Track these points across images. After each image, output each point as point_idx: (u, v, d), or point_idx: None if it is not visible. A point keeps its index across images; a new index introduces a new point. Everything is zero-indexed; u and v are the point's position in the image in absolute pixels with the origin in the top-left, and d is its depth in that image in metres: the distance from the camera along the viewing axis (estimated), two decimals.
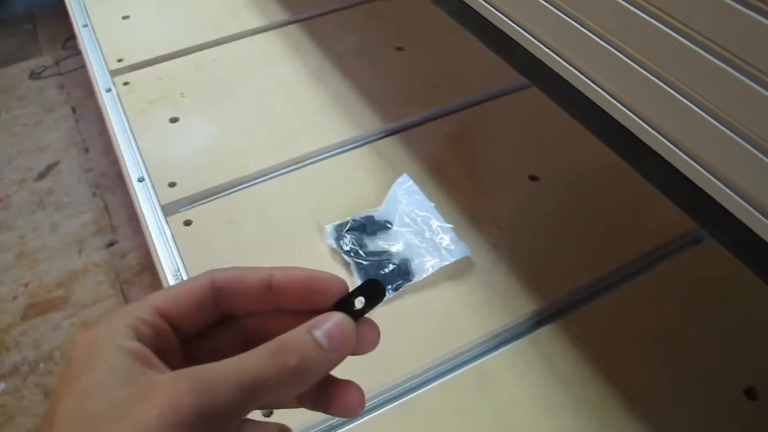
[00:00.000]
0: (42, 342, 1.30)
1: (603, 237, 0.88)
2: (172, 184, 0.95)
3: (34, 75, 1.88)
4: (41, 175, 1.61)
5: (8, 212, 1.53)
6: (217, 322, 0.36)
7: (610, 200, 0.92)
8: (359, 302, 0.35)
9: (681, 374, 0.75)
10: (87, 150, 1.67)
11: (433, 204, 0.89)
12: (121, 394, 0.28)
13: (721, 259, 0.84)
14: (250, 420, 0.35)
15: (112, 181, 1.58)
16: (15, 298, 1.37)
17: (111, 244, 1.47)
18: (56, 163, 1.64)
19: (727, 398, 0.73)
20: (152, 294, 0.34)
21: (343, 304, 0.35)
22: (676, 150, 0.45)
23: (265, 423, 0.36)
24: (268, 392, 0.30)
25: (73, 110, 1.78)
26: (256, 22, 1.25)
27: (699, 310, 0.81)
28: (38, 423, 1.14)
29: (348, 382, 0.36)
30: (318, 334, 0.32)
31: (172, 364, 0.31)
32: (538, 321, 0.81)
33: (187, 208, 0.93)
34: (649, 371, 0.76)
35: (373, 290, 0.36)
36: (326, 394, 0.36)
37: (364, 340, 0.35)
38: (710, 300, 0.82)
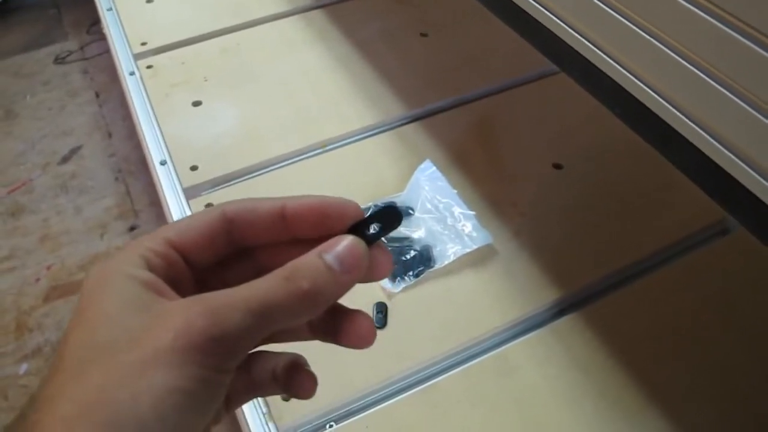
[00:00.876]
0: (64, 324, 1.30)
1: (627, 226, 0.87)
2: (194, 168, 0.95)
3: (59, 60, 1.89)
4: (65, 159, 1.61)
5: (32, 196, 1.54)
6: (230, 255, 0.35)
7: (635, 189, 0.91)
8: (374, 228, 0.34)
9: (703, 366, 0.74)
10: (110, 135, 1.67)
11: (455, 191, 0.88)
12: (134, 321, 0.28)
13: (748, 250, 0.83)
14: (264, 351, 0.35)
15: (135, 166, 1.58)
16: (38, 280, 1.38)
17: (132, 228, 1.48)
18: (79, 148, 1.64)
19: (748, 392, 0.72)
20: (164, 226, 0.34)
21: (358, 229, 0.34)
22: (706, 135, 0.44)
23: (280, 353, 0.36)
24: (280, 317, 0.30)
25: (97, 95, 1.78)
26: (279, 7, 1.25)
27: (723, 303, 0.80)
28: None
29: (358, 312, 0.35)
30: (329, 257, 0.31)
31: (185, 295, 0.30)
32: (560, 310, 0.80)
33: (210, 191, 0.93)
34: (671, 362, 0.75)
35: (389, 217, 0.35)
36: (337, 324, 0.35)
37: (376, 264, 0.34)
38: (735, 292, 0.81)
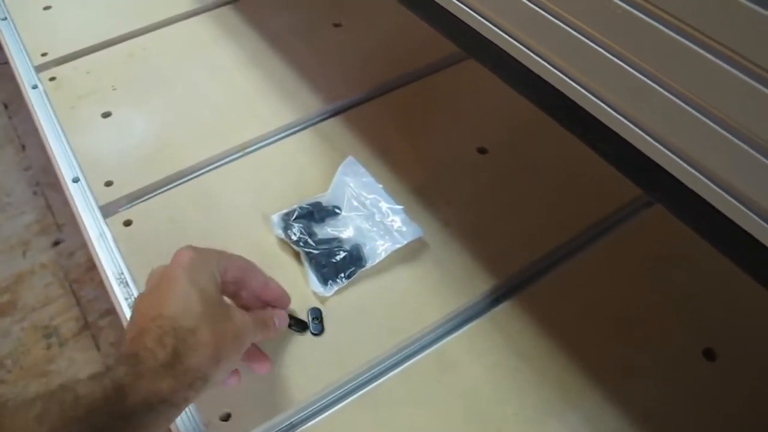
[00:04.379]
0: None
1: (555, 207, 0.87)
2: (108, 183, 0.91)
3: None
4: None
5: None
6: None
7: (560, 169, 0.91)
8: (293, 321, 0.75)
9: (639, 340, 0.75)
10: (24, 147, 1.60)
11: (381, 185, 0.87)
12: (220, 306, 0.60)
13: (673, 219, 0.84)
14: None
15: (54, 178, 1.52)
16: None
17: (57, 243, 1.42)
18: None
19: (685, 361, 0.74)
20: (226, 255, 0.66)
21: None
22: (618, 116, 0.44)
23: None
24: (252, 334, 0.62)
25: (5, 106, 1.70)
26: (185, 6, 1.20)
27: (653, 275, 0.81)
28: None
29: (265, 355, 0.70)
30: (276, 319, 0.68)
31: None
32: (495, 298, 0.80)
33: (127, 207, 0.89)
34: (607, 339, 0.75)
35: (302, 323, 0.76)
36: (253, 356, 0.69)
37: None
38: (664, 264, 0.82)
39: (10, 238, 1.44)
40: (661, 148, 0.41)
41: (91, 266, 1.38)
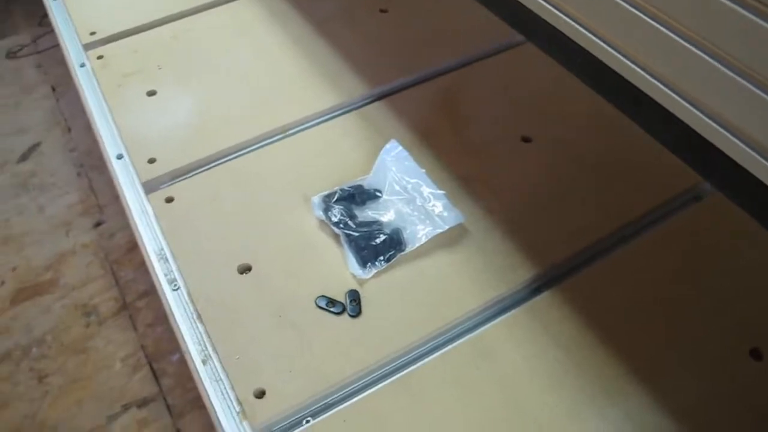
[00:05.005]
0: (33, 326, 1.27)
1: (601, 198, 0.85)
2: (152, 161, 0.91)
3: (11, 54, 1.83)
4: (23, 157, 1.57)
5: None
6: None
7: (605, 158, 0.89)
8: None
9: (683, 337, 0.73)
10: (69, 129, 1.63)
11: (423, 170, 0.86)
12: None
13: (723, 214, 0.82)
14: None
15: (97, 160, 1.54)
16: (3, 283, 1.34)
17: (98, 224, 1.44)
18: (38, 144, 1.59)
19: (731, 360, 0.71)
20: None
21: None
22: (675, 95, 0.42)
23: None
24: None
25: (53, 89, 1.73)
26: None
27: (699, 271, 0.79)
28: (34, 408, 1.13)
29: None
30: None
31: None
32: (535, 288, 0.78)
33: (169, 184, 0.89)
34: (651, 334, 0.73)
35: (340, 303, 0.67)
36: None
37: None
38: (712, 259, 0.79)
39: (53, 217, 1.46)
40: (727, 134, 0.40)
41: (131, 248, 1.39)
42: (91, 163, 1.55)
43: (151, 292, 1.27)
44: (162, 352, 1.19)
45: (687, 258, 0.80)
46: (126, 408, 1.12)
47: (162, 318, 1.22)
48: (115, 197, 1.46)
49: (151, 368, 1.17)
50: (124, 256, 1.39)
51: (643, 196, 0.85)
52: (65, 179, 1.53)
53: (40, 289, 1.34)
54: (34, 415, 1.13)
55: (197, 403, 1.10)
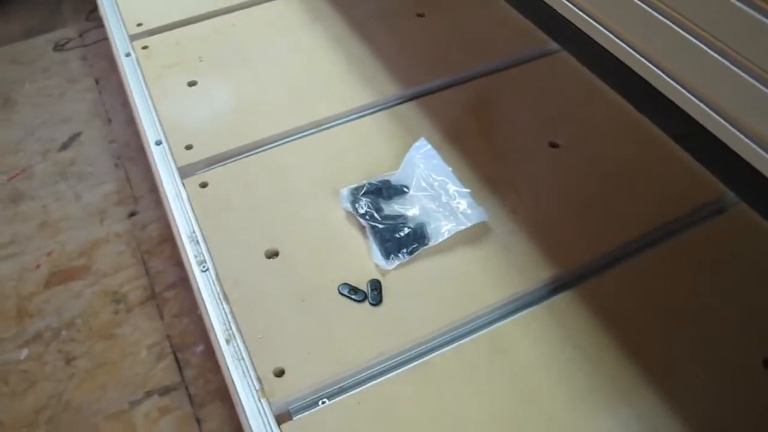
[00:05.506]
0: (64, 310, 1.30)
1: (623, 205, 0.86)
2: (188, 147, 0.94)
3: (58, 47, 1.88)
4: (64, 146, 1.61)
5: (31, 182, 1.54)
6: None
7: (630, 167, 0.90)
8: None
9: (698, 344, 0.74)
10: (110, 121, 1.67)
11: (450, 169, 0.88)
12: None
13: (743, 230, 0.82)
14: None
15: (135, 152, 1.58)
16: (38, 266, 1.37)
17: (132, 215, 1.47)
18: (79, 134, 1.64)
19: (744, 369, 0.72)
20: None
21: None
22: (704, 107, 0.43)
23: None
24: None
25: (96, 82, 1.78)
26: None
27: (717, 281, 0.79)
28: (60, 388, 1.15)
29: None
30: None
31: None
32: (555, 288, 0.79)
33: (204, 170, 0.92)
34: (665, 339, 0.74)
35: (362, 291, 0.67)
36: None
37: None
38: (729, 272, 0.80)
39: (89, 205, 1.49)
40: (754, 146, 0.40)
41: (163, 239, 1.42)
42: (128, 154, 1.59)
43: (179, 284, 1.30)
44: (187, 344, 1.21)
45: (705, 269, 0.80)
46: (149, 395, 1.14)
47: (188, 310, 1.24)
48: (150, 189, 1.50)
49: (176, 358, 1.19)
50: (156, 247, 1.41)
51: (664, 207, 0.86)
52: (103, 169, 1.56)
53: (73, 274, 1.37)
54: (60, 395, 1.15)
55: (218, 395, 1.12)
